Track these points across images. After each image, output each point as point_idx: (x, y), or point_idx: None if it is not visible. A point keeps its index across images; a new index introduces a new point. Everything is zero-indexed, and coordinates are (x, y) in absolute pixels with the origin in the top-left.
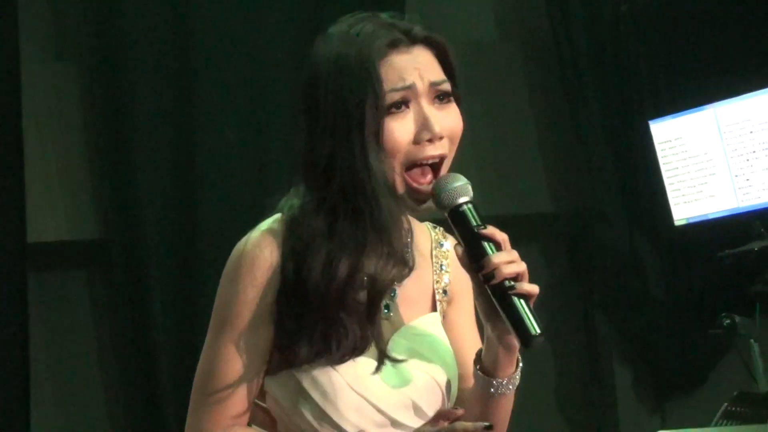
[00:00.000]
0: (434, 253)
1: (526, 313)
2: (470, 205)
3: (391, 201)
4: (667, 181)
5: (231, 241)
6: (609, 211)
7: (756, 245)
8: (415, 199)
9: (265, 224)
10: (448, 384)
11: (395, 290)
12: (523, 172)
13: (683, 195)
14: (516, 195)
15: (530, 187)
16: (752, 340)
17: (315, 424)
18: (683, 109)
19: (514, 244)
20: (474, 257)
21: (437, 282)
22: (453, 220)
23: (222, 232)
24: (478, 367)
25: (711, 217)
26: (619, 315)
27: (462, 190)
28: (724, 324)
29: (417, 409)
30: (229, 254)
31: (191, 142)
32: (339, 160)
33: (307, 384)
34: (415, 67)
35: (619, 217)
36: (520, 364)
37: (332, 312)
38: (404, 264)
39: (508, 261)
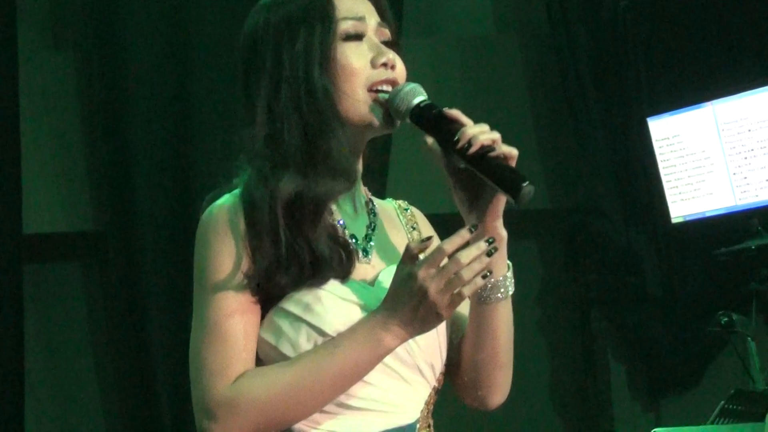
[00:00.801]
0: (401, 219)
1: (510, 167)
2: (427, 101)
3: (340, 125)
4: (664, 179)
5: None
6: (606, 208)
7: (753, 243)
8: (380, 106)
9: (228, 194)
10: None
11: (371, 236)
12: (520, 168)
13: (681, 192)
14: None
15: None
16: (749, 338)
17: (302, 341)
18: (681, 106)
19: (511, 240)
20: (447, 140)
21: (412, 241)
22: (416, 121)
23: None
24: None
25: (708, 214)
26: (615, 312)
27: (415, 92)
28: (722, 322)
29: None
30: None
31: (188, 133)
32: (285, 86)
33: (289, 305)
34: (364, 5)
35: (616, 214)
36: (510, 268)
37: (292, 233)
38: (347, 176)
39: (482, 131)
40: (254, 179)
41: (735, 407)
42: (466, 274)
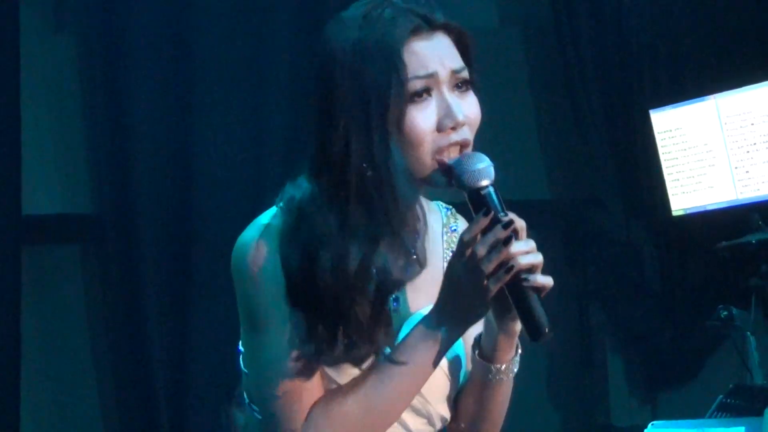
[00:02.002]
0: (445, 237)
1: (537, 307)
2: (492, 189)
3: (407, 195)
4: (666, 171)
5: (226, 218)
6: (606, 200)
7: (754, 238)
8: (444, 174)
9: (264, 218)
10: (454, 371)
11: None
12: (521, 158)
13: (682, 185)
14: (513, 181)
15: (528, 173)
16: (748, 333)
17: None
18: (684, 99)
19: None
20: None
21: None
22: (472, 203)
23: (217, 209)
24: (476, 351)
25: (709, 208)
26: (613, 304)
27: (485, 172)
28: (722, 316)
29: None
30: (223, 231)
31: (189, 118)
32: (356, 150)
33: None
34: (437, 54)
35: (617, 206)
36: (519, 351)
37: (342, 308)
38: (418, 263)
39: (525, 251)
40: (318, 235)
41: (733, 402)
42: (485, 266)
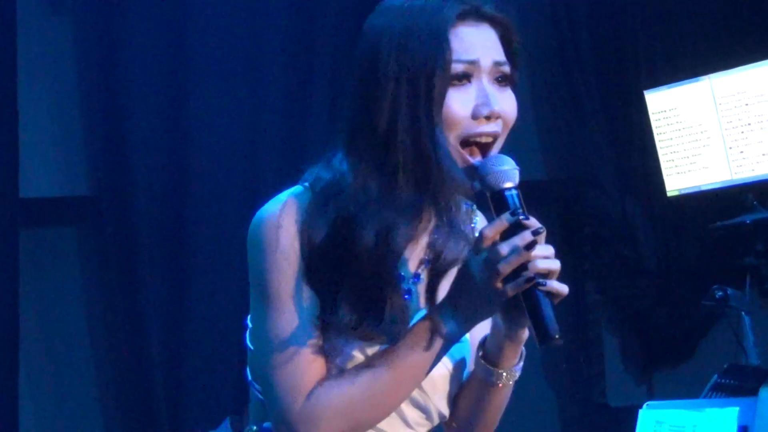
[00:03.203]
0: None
1: (549, 312)
2: (515, 191)
3: (455, 172)
4: (660, 152)
5: (222, 200)
6: (602, 180)
7: (748, 218)
8: (467, 174)
9: (285, 194)
10: (458, 370)
11: (420, 275)
12: (517, 139)
13: (676, 166)
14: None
15: (523, 153)
16: (743, 313)
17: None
18: (679, 79)
19: None
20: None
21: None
22: (495, 204)
23: (214, 191)
24: (480, 353)
25: (704, 188)
26: (609, 285)
27: (509, 175)
28: (717, 296)
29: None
30: (220, 212)
31: (186, 100)
32: (402, 128)
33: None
34: (482, 43)
35: (612, 186)
36: (523, 357)
37: (379, 281)
38: (467, 240)
39: (543, 256)
40: (358, 207)
41: (728, 382)
42: (502, 266)
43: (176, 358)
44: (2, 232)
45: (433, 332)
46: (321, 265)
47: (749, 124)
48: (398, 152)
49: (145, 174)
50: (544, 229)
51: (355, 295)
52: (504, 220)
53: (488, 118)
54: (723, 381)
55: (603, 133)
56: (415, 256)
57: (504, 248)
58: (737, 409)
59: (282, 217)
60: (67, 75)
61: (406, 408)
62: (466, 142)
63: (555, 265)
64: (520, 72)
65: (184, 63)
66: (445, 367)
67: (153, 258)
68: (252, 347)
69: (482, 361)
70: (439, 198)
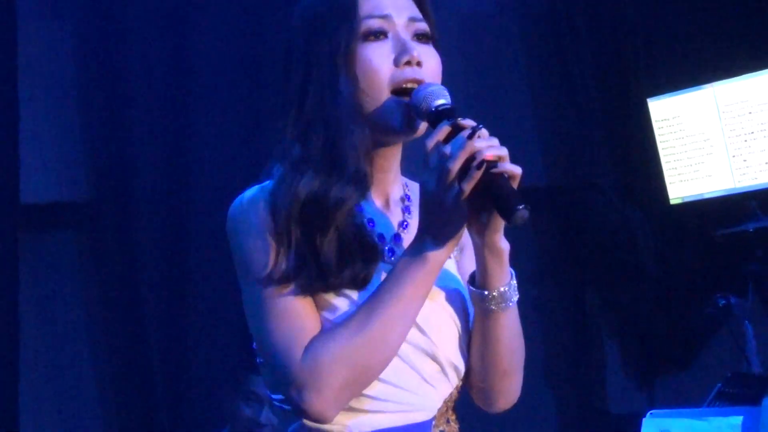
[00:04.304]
0: None
1: (509, 187)
2: (449, 106)
3: (361, 134)
4: (663, 159)
5: (222, 204)
6: (604, 187)
7: (751, 225)
8: (403, 114)
9: (254, 187)
10: (458, 311)
11: (400, 236)
12: (518, 145)
13: (679, 174)
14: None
15: (525, 159)
16: (746, 321)
17: None
18: (682, 87)
19: None
20: None
21: None
22: (432, 124)
23: (213, 196)
24: (471, 286)
25: (707, 196)
26: (610, 291)
27: (438, 93)
28: (719, 304)
29: (422, 330)
30: (220, 217)
31: (186, 105)
32: (311, 88)
33: (319, 303)
34: (393, 2)
35: (614, 193)
36: (514, 278)
37: (304, 238)
38: (362, 183)
39: (488, 145)
40: (280, 179)
41: (732, 390)
42: (451, 164)
43: (176, 363)
44: (2, 237)
45: (413, 258)
46: (291, 227)
47: (752, 133)
48: (307, 112)
49: (145, 179)
50: (483, 127)
51: (326, 249)
52: (443, 126)
53: (409, 63)
54: (726, 390)
55: (605, 140)
56: (393, 219)
57: (447, 148)
58: (741, 417)
59: (252, 197)
60: (67, 79)
61: (417, 357)
62: (398, 92)
63: (503, 151)
64: (523, 80)
65: (184, 68)
66: (446, 313)
67: (153, 263)
68: (250, 326)
69: (474, 290)
70: (345, 152)
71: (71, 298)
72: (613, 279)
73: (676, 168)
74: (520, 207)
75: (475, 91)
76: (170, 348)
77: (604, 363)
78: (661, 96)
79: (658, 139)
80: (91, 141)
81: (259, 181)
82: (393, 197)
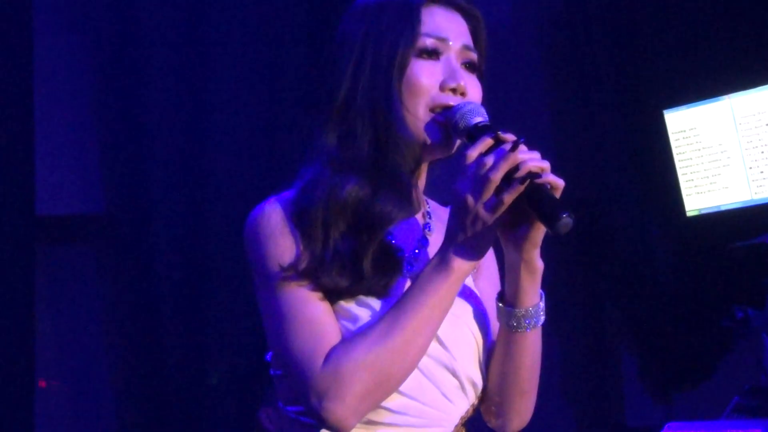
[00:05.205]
0: None
1: (552, 196)
2: (486, 123)
3: (408, 140)
4: (680, 171)
5: (238, 217)
6: (620, 199)
7: None
8: (441, 132)
9: (274, 196)
10: (480, 327)
11: (419, 252)
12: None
13: (696, 186)
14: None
15: None
16: (763, 333)
17: None
18: (698, 99)
19: None
20: None
21: None
22: (471, 141)
23: (229, 208)
24: (500, 303)
25: (724, 208)
26: (627, 304)
27: (476, 111)
28: (737, 316)
29: (442, 344)
30: (237, 229)
31: (202, 117)
32: (361, 90)
33: (337, 309)
34: (453, 27)
35: (631, 206)
36: (543, 299)
37: (343, 241)
38: (410, 203)
39: (531, 157)
40: (319, 176)
41: (749, 403)
42: (493, 173)
43: (194, 376)
44: (18, 249)
45: (437, 269)
46: (313, 227)
47: None
48: (357, 119)
49: (163, 191)
50: (524, 140)
51: (348, 256)
52: (485, 139)
53: (454, 90)
54: (744, 402)
55: (622, 153)
56: (413, 235)
57: (490, 158)
58: (760, 430)
59: (272, 205)
60: (83, 93)
61: (437, 371)
62: (435, 110)
63: (545, 163)
64: (539, 92)
65: (200, 80)
66: (467, 327)
67: (168, 275)
68: (268, 336)
69: (501, 306)
70: (396, 159)
71: (87, 311)
72: (629, 291)
73: (692, 180)
74: (565, 215)
75: (489, 102)
76: (187, 360)
77: (620, 376)
78: (677, 108)
79: (675, 151)
80: (106, 154)
81: (283, 186)
82: (416, 211)
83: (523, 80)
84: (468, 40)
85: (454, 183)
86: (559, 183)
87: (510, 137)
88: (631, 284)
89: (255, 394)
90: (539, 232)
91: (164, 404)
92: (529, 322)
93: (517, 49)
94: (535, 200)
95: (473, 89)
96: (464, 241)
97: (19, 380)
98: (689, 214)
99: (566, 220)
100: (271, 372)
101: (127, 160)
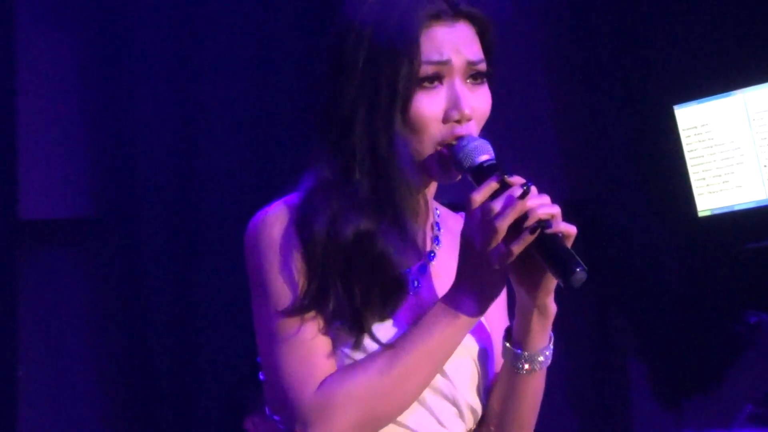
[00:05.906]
0: None
1: (566, 249)
2: (492, 162)
3: (409, 176)
4: (691, 170)
5: (228, 219)
6: (628, 200)
7: None
8: (443, 166)
9: (277, 201)
10: (482, 359)
11: (426, 266)
12: (539, 156)
13: (708, 185)
14: (530, 180)
15: (546, 171)
16: None
17: None
18: (710, 94)
19: None
20: None
21: None
22: (476, 180)
23: (219, 210)
24: (507, 342)
25: (737, 208)
26: (635, 308)
27: (482, 148)
28: (750, 321)
29: (443, 372)
30: (226, 233)
31: (191, 118)
32: (359, 123)
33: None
34: (455, 43)
35: (639, 206)
36: (552, 341)
37: (334, 273)
38: (417, 251)
39: (540, 203)
40: (311, 197)
41: (762, 412)
42: (499, 222)
43: (183, 382)
44: (2, 255)
45: (448, 311)
46: (314, 257)
47: None
48: (355, 148)
49: (149, 194)
50: (533, 184)
51: (350, 286)
52: (491, 182)
53: (459, 121)
54: (757, 411)
55: (630, 151)
56: (421, 248)
57: (497, 204)
58: None
59: (276, 214)
60: (68, 92)
61: (435, 401)
62: (441, 145)
63: (555, 209)
64: (543, 89)
65: (189, 80)
66: (469, 355)
67: (157, 281)
68: (260, 349)
69: (509, 346)
70: (395, 198)
71: (72, 317)
72: (638, 296)
73: (704, 179)
74: (578, 269)
75: (494, 100)
76: (176, 367)
77: (628, 384)
78: (688, 103)
79: (686, 148)
80: (94, 155)
81: (281, 194)
82: (423, 225)
83: (528, 78)
84: (473, 51)
85: (463, 227)
86: (571, 231)
87: (517, 180)
88: (639, 288)
89: (244, 400)
90: (553, 280)
91: (152, 410)
92: (534, 365)
93: (521, 46)
94: (546, 252)
95: (480, 105)
96: (473, 287)
97: (2, 387)
98: (701, 214)
99: (580, 274)
100: (261, 376)
101: (115, 162)
